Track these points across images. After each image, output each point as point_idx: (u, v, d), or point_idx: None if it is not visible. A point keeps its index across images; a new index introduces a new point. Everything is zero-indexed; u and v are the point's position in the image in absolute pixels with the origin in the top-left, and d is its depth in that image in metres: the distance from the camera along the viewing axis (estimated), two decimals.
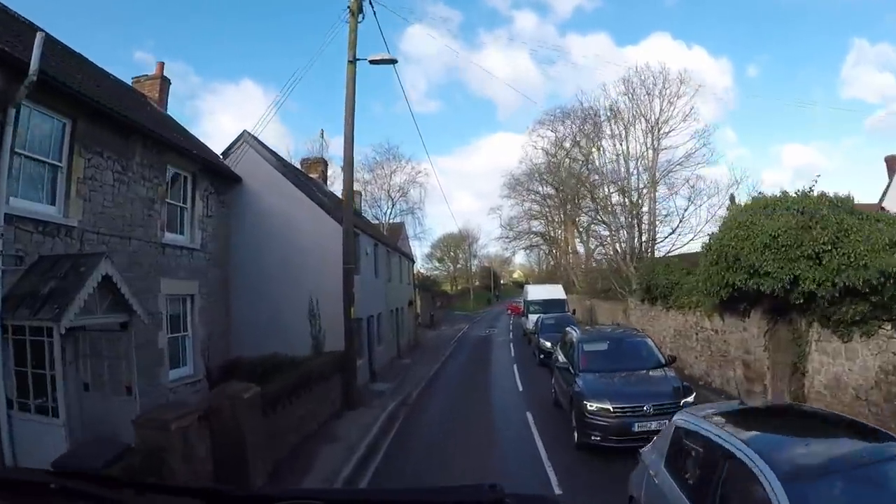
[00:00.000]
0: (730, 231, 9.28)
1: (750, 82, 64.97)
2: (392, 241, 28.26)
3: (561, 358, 11.54)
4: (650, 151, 24.77)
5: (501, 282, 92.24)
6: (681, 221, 22.64)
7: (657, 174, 24.23)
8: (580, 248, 40.14)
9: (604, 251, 30.73)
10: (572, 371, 9.34)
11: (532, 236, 50.05)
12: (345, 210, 12.58)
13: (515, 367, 17.73)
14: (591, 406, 8.14)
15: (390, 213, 43.01)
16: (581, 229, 37.92)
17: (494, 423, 10.56)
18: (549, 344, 16.98)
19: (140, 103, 12.36)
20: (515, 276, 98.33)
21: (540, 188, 41.03)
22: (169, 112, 14.47)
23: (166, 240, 10.83)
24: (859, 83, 76.01)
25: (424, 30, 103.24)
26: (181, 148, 11.34)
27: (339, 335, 12.25)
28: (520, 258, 69.50)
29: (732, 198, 25.06)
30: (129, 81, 13.79)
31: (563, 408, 10.25)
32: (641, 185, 24.96)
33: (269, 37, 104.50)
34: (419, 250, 55.71)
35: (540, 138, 35.05)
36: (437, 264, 75.03)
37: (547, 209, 43.73)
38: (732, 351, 11.56)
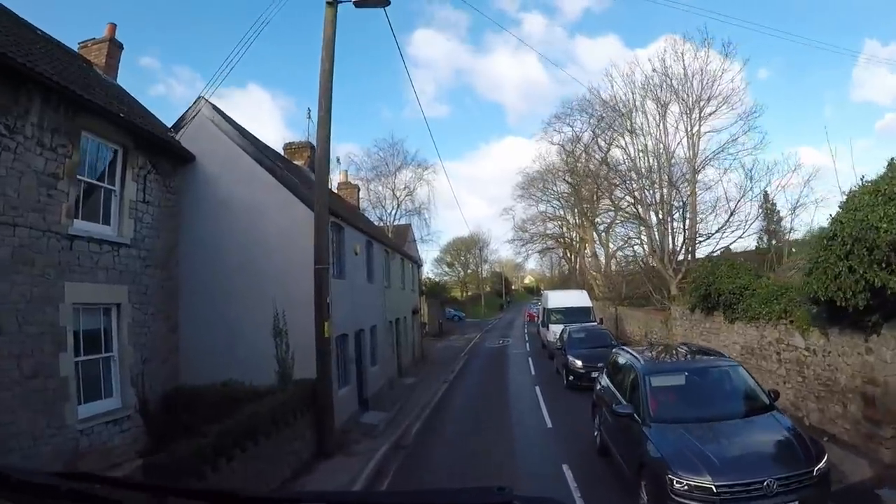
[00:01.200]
0: (872, 209, 6.24)
1: (761, 84, 61.62)
2: (398, 243, 25.46)
3: (604, 382, 8.59)
4: (687, 138, 21.61)
5: (513, 287, 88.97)
6: (732, 214, 19.34)
7: (697, 163, 21.03)
8: (599, 251, 36.99)
9: (632, 252, 27.55)
10: (637, 418, 6.33)
11: (546, 239, 47.11)
12: (316, 188, 9.63)
13: (538, 390, 14.61)
14: (681, 483, 5.14)
15: (396, 214, 40.06)
16: (600, 229, 34.87)
17: (521, 489, 7.52)
18: (579, 363, 14.08)
19: (69, 63, 9.60)
20: (527, 281, 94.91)
21: (555, 187, 38.11)
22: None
23: (76, 230, 8.05)
24: (870, 85, 72.31)
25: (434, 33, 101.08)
26: (102, 110, 8.57)
27: (313, 356, 9.38)
28: (532, 263, 66.33)
29: (766, 195, 21.82)
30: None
31: (615, 457, 7.32)
32: (677, 178, 21.76)
33: (271, 40, 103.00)
34: (427, 254, 52.74)
35: (557, 133, 32.15)
36: (446, 269, 72.00)
37: (562, 210, 40.79)
38: (844, 379, 8.46)
